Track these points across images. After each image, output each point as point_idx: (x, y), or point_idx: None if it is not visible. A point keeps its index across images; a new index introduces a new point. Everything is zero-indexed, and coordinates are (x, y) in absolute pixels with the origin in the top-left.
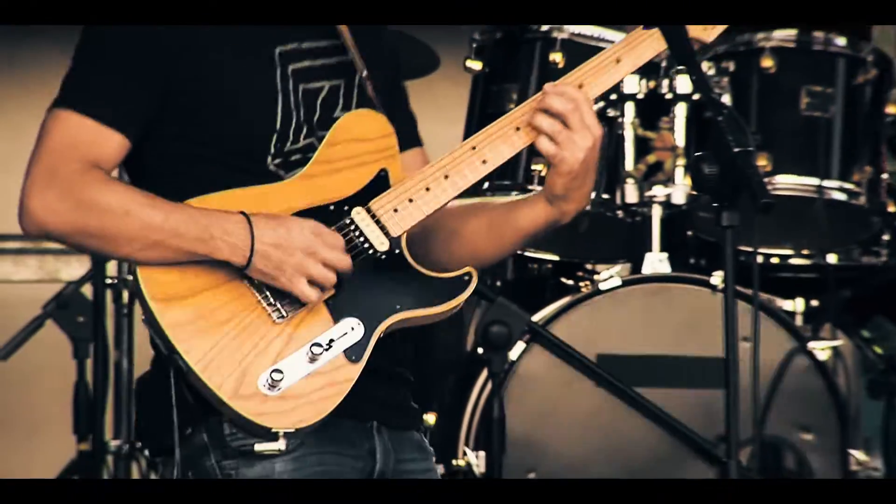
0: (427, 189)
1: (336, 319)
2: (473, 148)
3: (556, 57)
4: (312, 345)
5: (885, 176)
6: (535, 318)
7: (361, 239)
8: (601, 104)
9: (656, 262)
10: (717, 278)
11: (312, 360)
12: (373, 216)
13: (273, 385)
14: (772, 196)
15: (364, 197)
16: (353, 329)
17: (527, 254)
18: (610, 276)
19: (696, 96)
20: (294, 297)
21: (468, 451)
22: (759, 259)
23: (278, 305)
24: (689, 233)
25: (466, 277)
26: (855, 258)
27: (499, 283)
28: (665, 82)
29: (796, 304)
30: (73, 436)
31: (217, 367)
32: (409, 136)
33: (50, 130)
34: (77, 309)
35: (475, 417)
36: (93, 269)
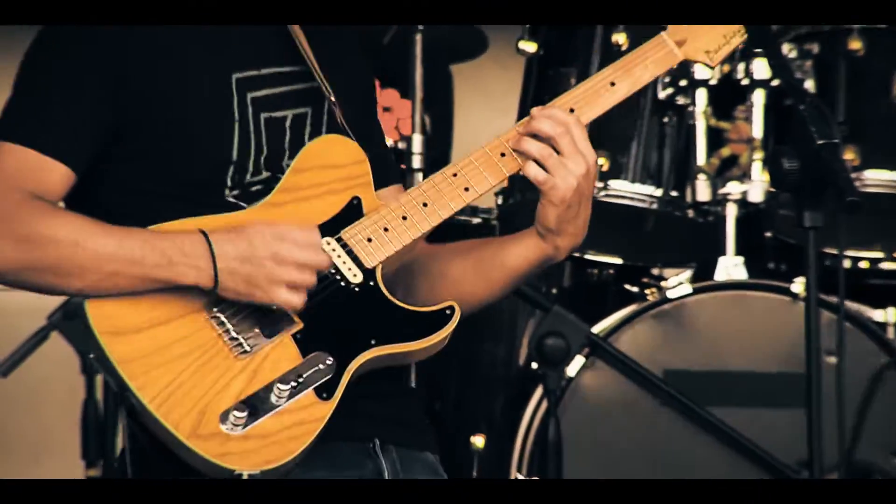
0: (404, 218)
1: (304, 354)
2: (455, 175)
3: (620, 38)
4: (278, 381)
5: None
6: (595, 329)
7: (332, 271)
8: (669, 91)
9: (731, 267)
10: (798, 285)
11: (279, 397)
12: (344, 246)
13: (235, 424)
14: (860, 193)
15: (335, 227)
16: (323, 365)
17: (587, 257)
18: (679, 282)
19: (775, 82)
20: (259, 330)
21: (521, 477)
22: (846, 263)
23: (241, 340)
24: (768, 234)
25: (448, 311)
26: None
27: (555, 291)
28: (741, 66)
29: (887, 314)
30: (82, 461)
31: (174, 404)
32: (385, 173)
33: None
34: (86, 319)
35: (528, 440)
36: None
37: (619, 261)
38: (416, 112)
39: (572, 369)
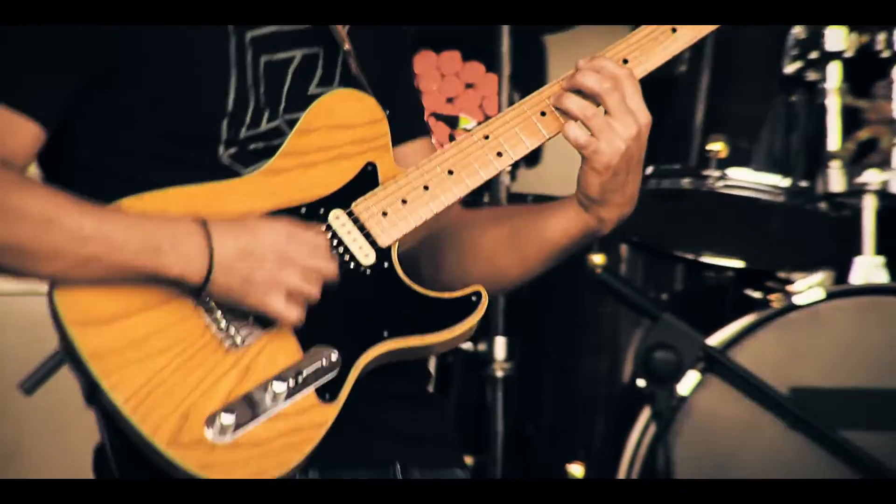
0: (426, 188)
1: (305, 348)
2: (486, 137)
3: None
4: (274, 380)
5: None
6: (712, 341)
7: (341, 250)
8: (798, 65)
9: (869, 268)
10: None
11: (274, 399)
12: (356, 221)
13: (223, 430)
14: None
15: (345, 197)
16: (327, 361)
17: (702, 259)
18: (809, 287)
19: None
20: (254, 321)
21: None
22: None
23: (232, 331)
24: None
25: (475, 297)
26: None
27: (664, 296)
28: (881, 37)
29: None
30: None
31: (152, 406)
32: (413, 123)
33: None
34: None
35: (634, 469)
36: None
37: (739, 263)
38: (504, 89)
39: (684, 387)
